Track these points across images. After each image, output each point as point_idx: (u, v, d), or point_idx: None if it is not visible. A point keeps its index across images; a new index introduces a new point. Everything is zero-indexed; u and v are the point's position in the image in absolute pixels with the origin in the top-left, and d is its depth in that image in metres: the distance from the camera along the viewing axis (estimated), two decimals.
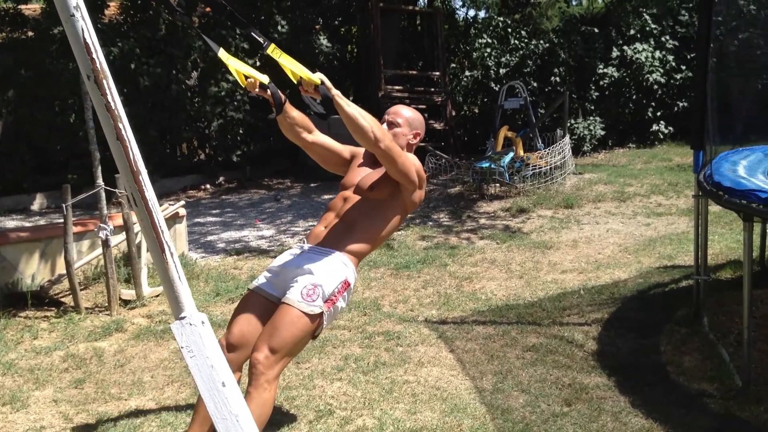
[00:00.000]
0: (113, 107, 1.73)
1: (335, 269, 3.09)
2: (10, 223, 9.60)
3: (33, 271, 5.94)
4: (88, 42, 1.69)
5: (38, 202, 10.92)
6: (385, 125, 3.33)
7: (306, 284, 3.01)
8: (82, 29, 1.69)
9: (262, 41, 2.90)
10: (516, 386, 3.95)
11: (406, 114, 3.37)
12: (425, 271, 6.44)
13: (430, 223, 8.47)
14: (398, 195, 3.24)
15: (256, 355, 2.90)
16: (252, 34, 2.93)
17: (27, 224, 9.14)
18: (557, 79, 13.34)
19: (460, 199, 9.50)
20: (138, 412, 3.77)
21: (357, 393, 3.92)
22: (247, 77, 3.12)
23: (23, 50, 11.32)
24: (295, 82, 2.94)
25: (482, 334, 4.81)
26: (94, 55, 1.70)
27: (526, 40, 13.65)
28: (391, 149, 3.05)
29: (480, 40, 13.83)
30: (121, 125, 1.74)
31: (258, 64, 12.60)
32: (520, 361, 4.32)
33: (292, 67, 2.90)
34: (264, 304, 3.13)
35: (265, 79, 3.13)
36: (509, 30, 13.82)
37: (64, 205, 5.43)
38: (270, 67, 3.02)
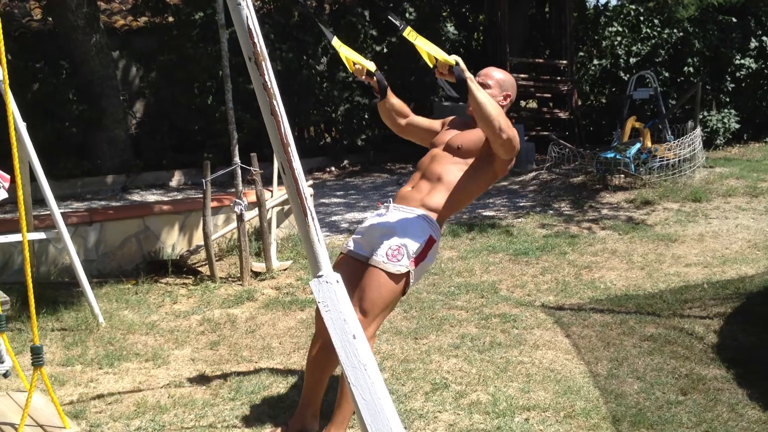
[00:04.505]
0: (269, 86, 1.94)
1: (419, 228, 3.19)
2: (151, 197, 10.25)
3: (173, 242, 6.39)
4: (251, 27, 1.91)
5: (176, 179, 11.58)
6: None
7: (391, 245, 3.13)
8: (247, 16, 1.91)
9: (398, 24, 3.02)
10: (631, 373, 3.98)
11: (497, 75, 3.44)
12: (544, 258, 6.47)
13: (551, 211, 8.46)
14: (488, 158, 3.30)
15: None
16: (389, 17, 3.07)
17: (166, 199, 9.73)
18: (690, 69, 12.89)
19: (582, 189, 9.41)
20: (267, 374, 4.05)
21: (472, 370, 4.05)
22: (355, 63, 3.38)
23: (165, 34, 11.99)
24: (431, 65, 3.02)
25: (599, 321, 4.83)
26: (255, 40, 1.92)
27: (658, 29, 13.25)
28: (513, 139, 3.16)
29: (610, 29, 13.53)
30: (275, 102, 1.95)
31: (385, 50, 12.85)
32: (636, 349, 4.33)
33: (428, 48, 2.97)
34: (355, 265, 3.24)
35: (371, 66, 3.42)
36: (641, 18, 13.46)
37: (204, 181, 5.82)
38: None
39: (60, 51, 10.91)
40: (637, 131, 10.27)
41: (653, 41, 13.17)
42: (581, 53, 14.79)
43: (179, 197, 9.93)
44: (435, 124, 3.66)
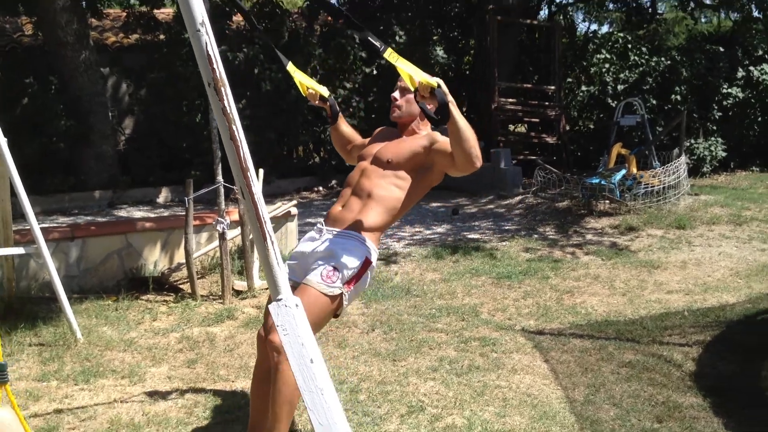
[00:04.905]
0: (228, 111, 1.96)
1: (354, 250, 3.14)
2: (137, 213, 10.23)
3: (155, 259, 6.37)
4: (210, 54, 1.93)
5: (163, 196, 11.57)
6: (397, 92, 3.40)
7: (326, 266, 3.08)
8: (206, 43, 1.93)
9: (378, 45, 2.96)
10: (608, 400, 3.98)
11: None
12: (526, 282, 6.48)
13: (536, 235, 8.49)
14: (422, 169, 3.29)
15: (273, 337, 2.88)
16: (369, 38, 3.02)
17: (152, 215, 9.71)
18: (678, 97, 13.01)
19: (567, 214, 9.45)
20: (243, 394, 4.03)
21: (449, 393, 4.04)
22: (308, 88, 3.44)
23: (155, 52, 12.04)
24: (412, 88, 2.97)
25: (578, 347, 4.83)
26: (215, 66, 1.93)
27: (646, 57, 13.39)
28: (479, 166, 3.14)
29: (598, 56, 13.66)
30: (234, 127, 1.96)
31: (375, 72, 12.91)
32: (614, 375, 4.33)
33: (410, 70, 2.92)
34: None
35: (325, 92, 3.48)
36: (629, 46, 13.59)
37: (186, 199, 5.82)
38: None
39: (49, 67, 10.93)
40: (623, 158, 10.34)
41: (641, 69, 13.30)
42: (569, 79, 14.91)
43: (165, 214, 9.91)
44: (367, 140, 3.63)
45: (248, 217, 1.97)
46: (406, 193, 3.28)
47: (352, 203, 3.28)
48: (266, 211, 1.99)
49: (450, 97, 2.94)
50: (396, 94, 3.41)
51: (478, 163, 3.09)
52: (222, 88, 1.93)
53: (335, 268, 3.07)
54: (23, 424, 2.87)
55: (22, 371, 4.36)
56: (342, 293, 3.08)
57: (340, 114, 3.63)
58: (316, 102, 3.50)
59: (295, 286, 3.15)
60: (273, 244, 1.96)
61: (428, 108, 3.00)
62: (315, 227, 3.34)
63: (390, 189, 3.26)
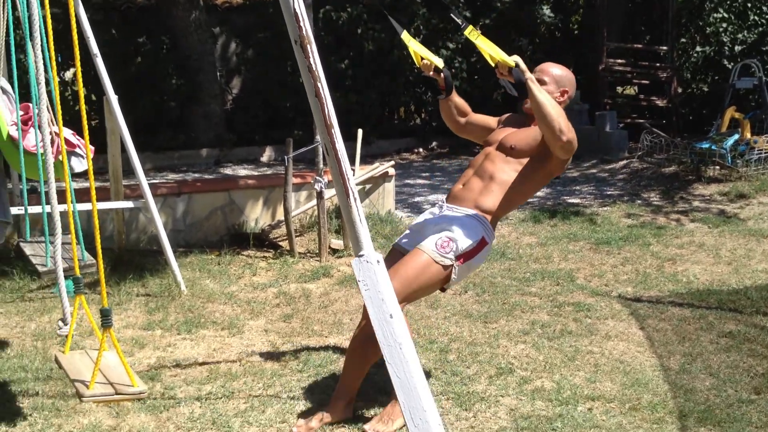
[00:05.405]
0: (314, 68, 1.99)
1: (472, 227, 3.17)
2: (242, 171, 10.53)
3: (256, 216, 6.57)
4: (297, 11, 1.96)
5: (267, 155, 11.82)
6: None
7: (441, 236, 3.13)
8: (293, 1, 1.95)
9: (460, 22, 3.07)
10: (704, 369, 3.88)
11: (554, 72, 3.36)
12: (626, 248, 6.33)
13: (639, 201, 8.26)
14: (542, 157, 3.27)
15: None
16: (451, 15, 3.10)
17: (255, 173, 9.98)
18: None
19: (674, 180, 9.12)
20: (335, 349, 4.14)
21: (539, 356, 4.03)
22: (423, 59, 3.39)
23: (261, 12, 12.22)
24: (492, 64, 3.08)
25: (677, 315, 4.71)
26: (302, 23, 1.96)
27: (767, 17, 12.64)
28: (572, 141, 3.12)
29: (716, 15, 13.00)
30: (319, 84, 1.99)
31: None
32: (713, 345, 4.21)
33: (489, 49, 3.02)
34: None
35: (440, 63, 3.42)
36: (749, 5, 12.86)
37: (285, 158, 5.96)
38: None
39: (162, 26, 11.28)
40: (737, 122, 9.87)
41: (761, 29, 12.59)
42: (683, 39, 14.26)
43: (268, 172, 10.15)
44: (491, 121, 3.62)
45: (332, 173, 2.01)
46: (527, 180, 3.30)
47: (473, 183, 3.32)
48: (349, 168, 2.02)
49: (528, 75, 3.07)
50: None
51: (564, 137, 3.09)
52: (308, 46, 1.97)
53: (450, 239, 3.13)
54: (125, 366, 3.06)
55: (129, 320, 4.61)
56: (452, 265, 3.12)
57: (454, 88, 3.59)
58: (431, 73, 3.45)
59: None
60: (356, 201, 2.00)
61: (510, 85, 3.12)
62: (436, 204, 3.41)
63: (512, 174, 3.28)
